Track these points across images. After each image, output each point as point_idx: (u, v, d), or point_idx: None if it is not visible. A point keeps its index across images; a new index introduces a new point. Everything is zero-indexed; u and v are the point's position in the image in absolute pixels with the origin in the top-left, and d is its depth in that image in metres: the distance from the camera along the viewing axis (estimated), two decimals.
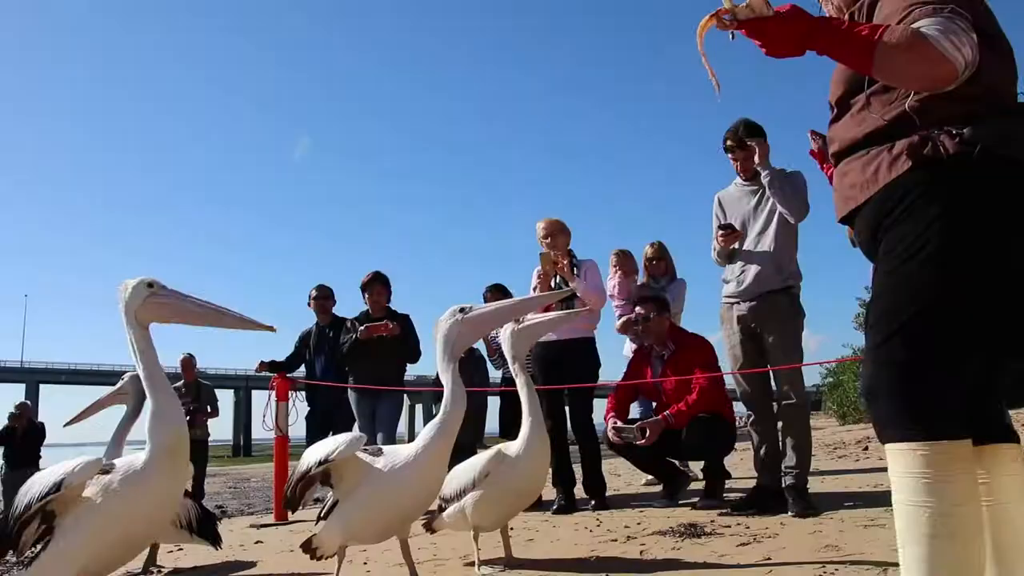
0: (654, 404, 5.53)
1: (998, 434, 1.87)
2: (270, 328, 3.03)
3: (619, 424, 5.12)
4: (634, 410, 6.13)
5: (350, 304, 9.21)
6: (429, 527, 3.88)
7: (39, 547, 2.68)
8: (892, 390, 1.76)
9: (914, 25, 1.72)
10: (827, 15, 2.07)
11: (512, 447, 3.50)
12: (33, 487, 2.71)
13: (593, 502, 5.26)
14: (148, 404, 2.77)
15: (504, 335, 3.64)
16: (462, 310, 3.20)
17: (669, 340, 5.28)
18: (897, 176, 1.81)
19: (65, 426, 4.54)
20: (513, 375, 3.65)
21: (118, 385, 4.34)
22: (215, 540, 3.87)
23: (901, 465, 1.74)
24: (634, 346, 6.39)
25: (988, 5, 1.90)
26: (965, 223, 1.73)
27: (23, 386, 72.85)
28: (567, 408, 5.41)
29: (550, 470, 5.16)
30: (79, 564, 2.62)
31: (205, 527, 3.82)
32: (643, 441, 4.87)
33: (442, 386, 3.16)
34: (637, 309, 5.36)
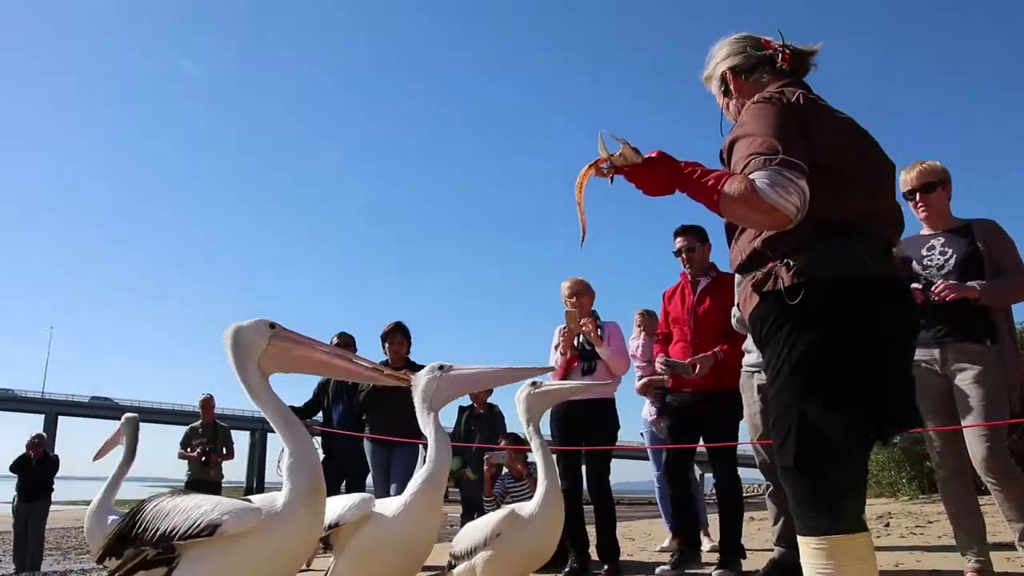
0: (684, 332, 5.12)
1: None
2: (403, 379, 3.03)
3: (669, 358, 4.97)
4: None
5: (371, 354, 9.22)
6: None
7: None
8: (793, 489, 2.04)
9: (750, 176, 1.97)
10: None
11: (526, 508, 3.43)
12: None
13: (606, 566, 5.17)
14: (287, 449, 2.46)
15: (519, 397, 3.58)
16: (441, 367, 3.19)
17: (711, 269, 5.13)
18: (753, 308, 2.17)
19: (95, 459, 4.48)
20: (527, 437, 3.61)
21: (118, 427, 4.37)
22: None
23: (806, 555, 1.99)
24: (654, 409, 6.34)
25: (831, 123, 2.17)
26: (810, 339, 2.02)
27: (42, 416, 73.31)
28: (583, 468, 5.33)
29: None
30: None
31: None
32: (696, 375, 4.74)
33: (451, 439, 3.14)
34: (678, 240, 5.13)
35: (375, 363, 2.81)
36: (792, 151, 1.99)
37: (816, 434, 1.98)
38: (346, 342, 7.17)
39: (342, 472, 6.56)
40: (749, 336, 4.56)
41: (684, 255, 5.08)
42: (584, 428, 5.24)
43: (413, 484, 3.00)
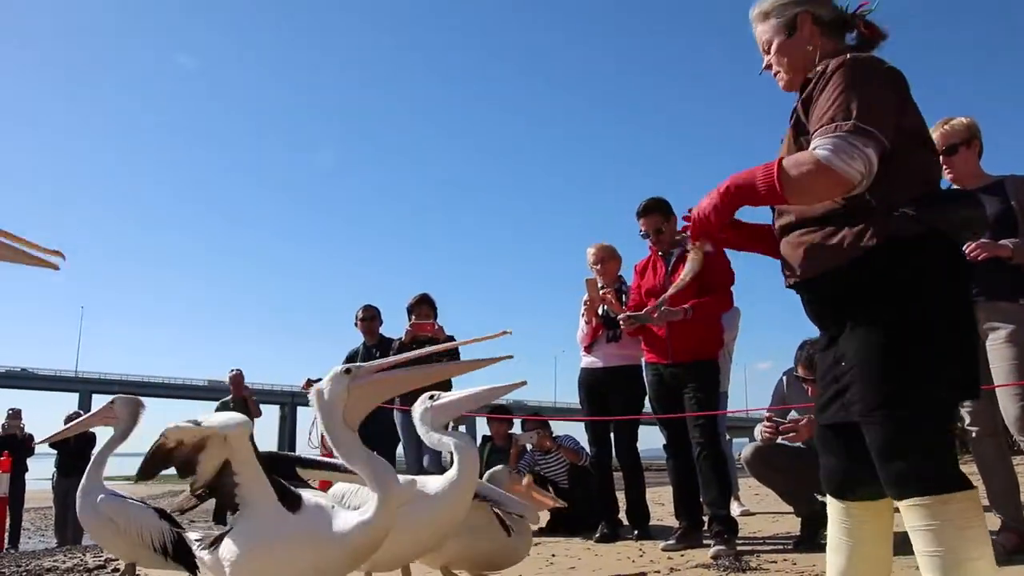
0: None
1: None
2: (508, 356, 2.71)
3: (629, 313, 4.79)
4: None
5: (396, 326, 9.27)
6: None
7: None
8: (915, 447, 1.94)
9: (812, 147, 1.98)
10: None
11: (432, 483, 3.15)
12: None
13: (636, 531, 5.20)
14: (371, 492, 2.49)
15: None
16: (431, 397, 3.22)
17: (679, 242, 4.83)
18: (866, 251, 2.02)
19: (40, 442, 4.27)
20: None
21: (104, 406, 4.17)
22: (191, 567, 3.65)
23: (922, 518, 1.91)
24: None
25: (914, 102, 2.12)
26: (928, 289, 1.99)
27: (77, 395, 74.64)
28: (612, 435, 5.36)
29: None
30: None
31: (179, 552, 3.68)
32: (656, 320, 4.59)
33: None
34: (643, 222, 4.93)
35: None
36: (877, 118, 1.96)
37: (935, 388, 1.96)
38: (371, 315, 7.22)
39: (371, 444, 6.61)
40: None
41: (652, 236, 4.90)
42: (611, 394, 5.27)
43: (452, 474, 3.05)
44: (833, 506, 2.21)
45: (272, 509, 2.42)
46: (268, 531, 2.38)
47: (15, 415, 11.07)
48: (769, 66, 2.34)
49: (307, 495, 2.53)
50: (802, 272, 2.15)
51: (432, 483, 3.08)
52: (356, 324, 7.23)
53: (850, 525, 2.15)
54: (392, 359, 2.61)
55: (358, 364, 2.57)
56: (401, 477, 3.17)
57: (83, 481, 3.73)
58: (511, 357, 2.63)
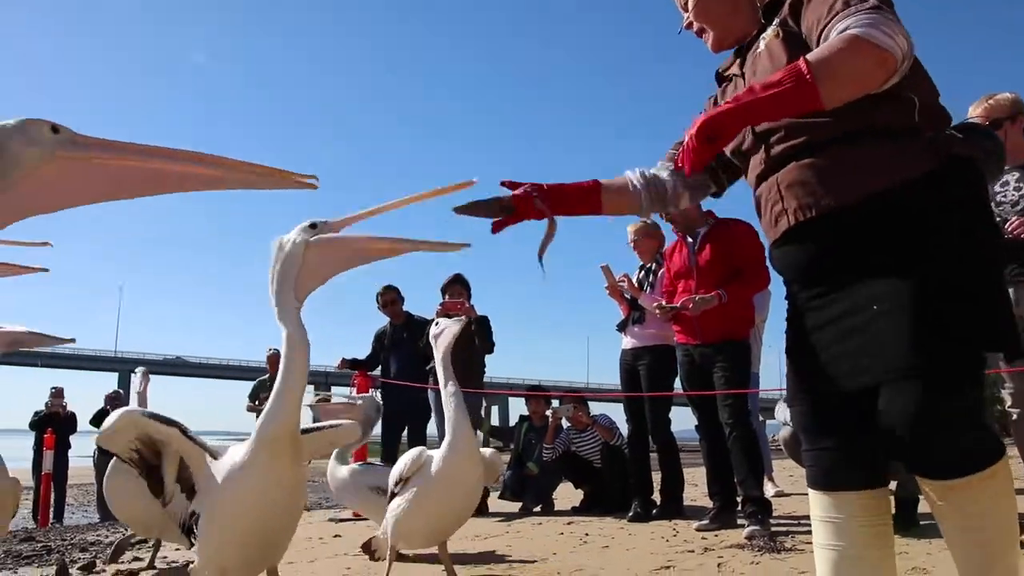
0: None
1: None
2: (464, 245, 2.30)
3: (663, 304, 4.80)
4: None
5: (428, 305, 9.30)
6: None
7: None
8: (971, 414, 1.60)
9: (837, 28, 1.63)
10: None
11: (437, 452, 3.19)
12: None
13: (669, 512, 5.21)
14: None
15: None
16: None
17: (705, 220, 4.82)
18: (921, 172, 1.67)
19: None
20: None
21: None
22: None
23: (974, 490, 1.60)
24: None
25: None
26: (982, 219, 1.73)
27: (116, 375, 76.03)
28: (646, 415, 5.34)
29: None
30: None
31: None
32: (691, 311, 4.51)
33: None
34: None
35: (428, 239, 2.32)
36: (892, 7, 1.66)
37: (992, 341, 1.66)
38: (392, 298, 7.19)
39: (402, 420, 6.66)
40: None
41: (665, 218, 4.88)
42: (639, 375, 5.31)
43: (447, 436, 3.13)
44: (822, 502, 1.81)
45: (216, 468, 2.31)
46: (231, 488, 2.25)
47: (58, 394, 11.32)
48: (690, 24, 2.09)
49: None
50: (835, 197, 1.72)
51: (437, 452, 3.15)
52: (379, 308, 7.26)
53: (845, 523, 1.76)
54: (360, 213, 2.27)
55: (324, 220, 2.28)
56: (416, 449, 3.26)
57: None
58: (469, 245, 2.27)
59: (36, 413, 11.31)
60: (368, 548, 3.63)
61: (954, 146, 1.70)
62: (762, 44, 1.89)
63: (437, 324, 3.39)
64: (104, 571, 4.00)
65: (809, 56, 1.61)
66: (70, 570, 4.06)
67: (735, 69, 2.02)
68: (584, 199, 2.11)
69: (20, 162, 1.40)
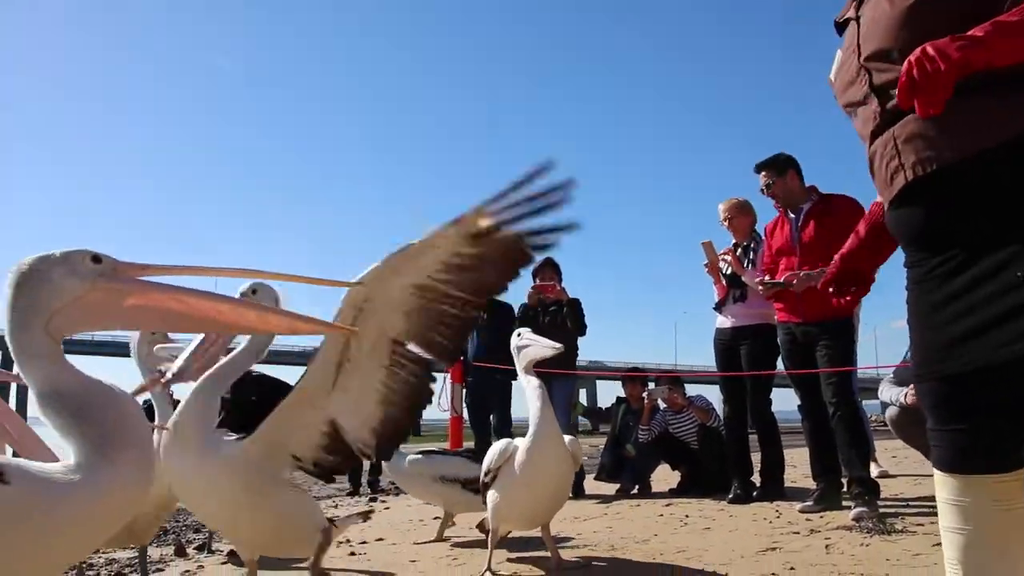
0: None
1: None
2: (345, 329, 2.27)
3: (766, 279, 4.70)
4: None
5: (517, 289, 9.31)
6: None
7: None
8: None
9: None
10: None
11: (523, 442, 3.27)
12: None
13: (769, 493, 5.13)
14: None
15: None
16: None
17: (808, 195, 4.71)
18: None
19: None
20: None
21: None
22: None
23: None
24: None
25: None
26: None
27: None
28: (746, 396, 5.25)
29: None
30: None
31: None
32: (795, 287, 4.40)
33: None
34: (761, 177, 4.80)
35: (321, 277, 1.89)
36: None
37: None
38: None
39: (486, 404, 6.68)
40: None
41: (766, 192, 4.78)
42: (739, 354, 5.22)
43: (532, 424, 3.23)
44: (951, 485, 1.66)
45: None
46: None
47: None
48: None
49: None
50: (959, 150, 1.56)
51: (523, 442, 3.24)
52: None
53: (974, 507, 1.61)
54: (177, 266, 1.68)
55: (116, 260, 1.62)
56: (503, 442, 3.36)
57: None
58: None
59: (145, 402, 11.81)
60: (483, 528, 3.76)
61: None
62: None
63: (520, 336, 3.45)
64: (220, 551, 4.16)
65: None
66: (187, 549, 4.27)
67: (851, 13, 1.89)
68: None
69: (62, 292, 1.54)
